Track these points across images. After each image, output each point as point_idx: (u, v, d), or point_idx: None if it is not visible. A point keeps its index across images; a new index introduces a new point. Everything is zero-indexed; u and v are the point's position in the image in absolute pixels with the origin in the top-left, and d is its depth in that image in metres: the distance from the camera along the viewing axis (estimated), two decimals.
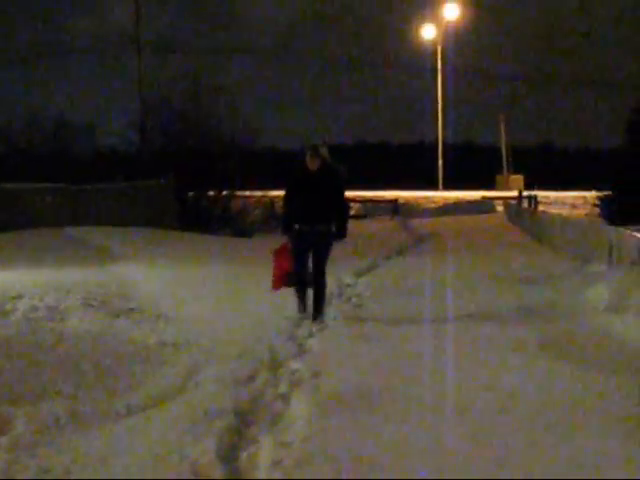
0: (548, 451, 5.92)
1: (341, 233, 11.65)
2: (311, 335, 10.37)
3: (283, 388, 7.84)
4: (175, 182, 29.95)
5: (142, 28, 44.95)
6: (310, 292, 11.79)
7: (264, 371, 8.28)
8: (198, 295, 12.98)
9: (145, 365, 8.93)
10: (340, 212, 11.77)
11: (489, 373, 8.14)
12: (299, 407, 7.11)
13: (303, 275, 11.67)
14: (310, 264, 11.76)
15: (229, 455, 6.06)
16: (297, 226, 11.63)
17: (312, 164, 11.48)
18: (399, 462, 5.66)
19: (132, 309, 11.59)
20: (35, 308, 10.75)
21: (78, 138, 45.48)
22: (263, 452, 6.02)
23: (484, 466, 5.58)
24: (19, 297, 11.36)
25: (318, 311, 11.56)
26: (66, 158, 40.65)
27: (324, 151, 11.61)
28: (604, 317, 10.87)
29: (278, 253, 11.99)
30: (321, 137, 14.92)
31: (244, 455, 6.06)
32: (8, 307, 10.65)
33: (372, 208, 50.18)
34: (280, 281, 11.88)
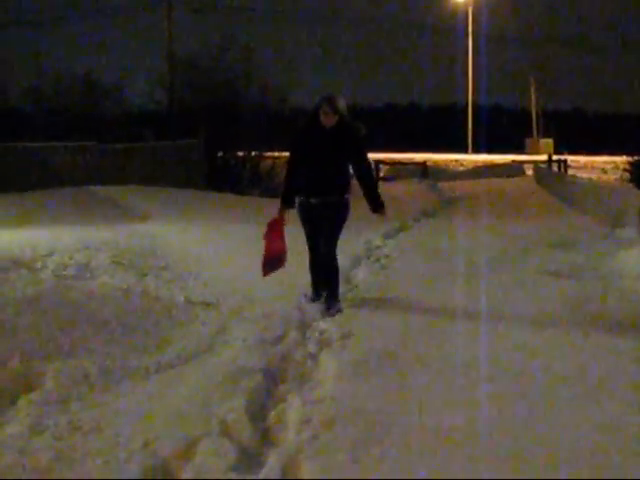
0: (573, 411, 5.93)
1: (377, 207, 9.62)
2: (341, 295, 10.37)
3: (312, 348, 7.87)
4: (204, 142, 29.99)
5: None
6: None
7: (293, 331, 8.30)
8: (226, 254, 12.96)
9: (174, 323, 8.98)
10: (366, 180, 9.66)
11: (516, 335, 8.15)
12: (328, 367, 7.14)
13: (318, 258, 9.66)
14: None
15: (257, 413, 6.13)
16: (302, 197, 9.48)
17: (327, 120, 9.21)
18: (424, 419, 5.69)
19: (161, 268, 11.63)
20: (65, 266, 10.81)
21: (107, 97, 45.72)
22: (291, 411, 6.06)
23: (508, 420, 5.62)
24: (49, 255, 11.41)
25: (332, 299, 9.51)
26: (95, 117, 40.82)
27: (342, 105, 9.30)
28: (635, 281, 10.83)
29: (268, 231, 9.60)
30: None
31: (272, 413, 6.11)
32: (38, 264, 10.71)
33: (401, 170, 49.96)
34: (266, 267, 9.67)
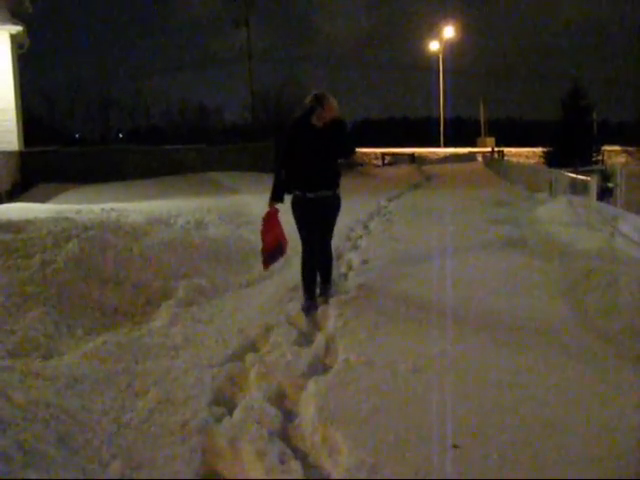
0: (508, 301, 5.94)
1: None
2: (360, 237, 10.36)
3: (343, 270, 7.88)
4: (273, 144, 30.13)
5: (252, 44, 44.58)
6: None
7: None
8: (285, 212, 13.01)
9: (256, 256, 9.01)
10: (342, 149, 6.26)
11: (471, 260, 8.11)
12: (353, 281, 7.16)
13: (312, 247, 6.39)
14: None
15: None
16: (297, 193, 6.23)
17: (319, 119, 6.09)
18: (410, 310, 5.71)
19: (248, 222, 11.62)
20: (188, 222, 10.86)
21: (213, 116, 46.05)
22: (331, 308, 6.05)
23: (459, 298, 5.64)
24: (178, 215, 11.47)
25: (326, 281, 6.58)
26: (204, 129, 41.13)
27: (335, 104, 6.12)
28: (547, 226, 10.77)
29: (263, 226, 6.49)
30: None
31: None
32: (172, 221, 10.76)
33: (398, 159, 49.83)
34: (266, 260, 6.64)
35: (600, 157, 41.69)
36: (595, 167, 31.81)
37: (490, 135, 73.99)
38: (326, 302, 6.26)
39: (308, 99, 6.16)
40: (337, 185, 6.33)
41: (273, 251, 6.53)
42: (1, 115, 19.03)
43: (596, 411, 3.76)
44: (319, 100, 6.08)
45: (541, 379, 4.21)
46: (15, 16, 19.53)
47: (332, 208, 6.36)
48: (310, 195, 6.19)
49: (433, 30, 77.19)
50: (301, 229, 6.40)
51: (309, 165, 6.16)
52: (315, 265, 6.45)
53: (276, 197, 6.34)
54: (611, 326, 5.31)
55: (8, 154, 18.63)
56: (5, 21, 18.47)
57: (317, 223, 6.30)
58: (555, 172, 17.21)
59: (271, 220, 6.40)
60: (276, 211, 6.40)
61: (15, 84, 19.52)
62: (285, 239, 6.54)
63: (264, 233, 6.47)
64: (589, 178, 12.44)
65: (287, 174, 6.29)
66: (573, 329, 5.28)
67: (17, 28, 18.92)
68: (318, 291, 6.49)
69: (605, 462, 3.22)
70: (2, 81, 19.00)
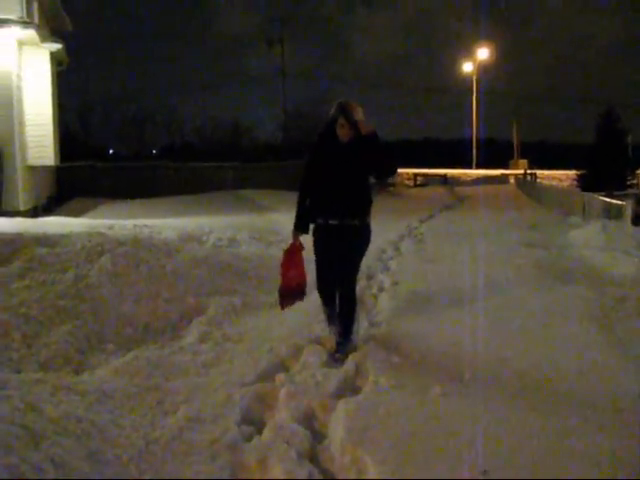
0: (540, 329, 5.87)
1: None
2: (392, 258, 10.34)
3: (374, 291, 7.86)
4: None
5: (286, 63, 44.99)
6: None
7: (362, 280, 8.23)
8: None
9: None
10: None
11: (503, 283, 8.04)
12: (383, 303, 7.15)
13: (332, 287, 5.50)
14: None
15: None
16: (320, 220, 5.38)
17: (344, 133, 5.19)
18: (440, 333, 5.66)
19: (280, 240, 11.65)
20: (220, 239, 10.92)
21: (245, 135, 46.45)
22: (362, 330, 6.03)
23: (495, 328, 5.57)
24: (210, 232, 11.54)
25: (345, 336, 5.44)
26: (237, 147, 41.51)
27: (360, 115, 5.14)
28: (580, 250, 10.66)
29: (285, 260, 5.76)
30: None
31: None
32: (204, 239, 10.83)
33: (430, 180, 49.77)
34: (284, 298, 5.89)
35: (635, 181, 41.27)
36: (630, 191, 31.50)
37: (523, 157, 73.70)
38: (344, 358, 5.24)
39: (332, 109, 5.27)
40: (367, 213, 5.39)
41: (292, 292, 5.82)
42: (39, 131, 19.31)
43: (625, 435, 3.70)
44: (342, 108, 5.17)
45: (573, 408, 4.15)
46: (55, 34, 19.89)
47: (358, 241, 5.41)
48: (333, 222, 5.31)
49: (467, 51, 77.10)
50: (317, 258, 5.55)
51: (332, 187, 5.30)
52: (334, 304, 5.57)
53: (299, 227, 5.55)
54: None
55: (44, 169, 18.94)
56: (46, 39, 18.79)
57: (338, 257, 5.36)
58: (588, 195, 17.11)
59: (294, 256, 5.68)
60: (300, 247, 5.64)
61: (53, 101, 19.84)
62: (305, 281, 5.84)
63: (285, 269, 5.76)
64: (623, 202, 12.33)
65: (310, 199, 5.49)
66: (604, 357, 5.20)
67: (57, 46, 19.24)
68: (335, 346, 5.48)
69: None
70: (41, 98, 19.31)
